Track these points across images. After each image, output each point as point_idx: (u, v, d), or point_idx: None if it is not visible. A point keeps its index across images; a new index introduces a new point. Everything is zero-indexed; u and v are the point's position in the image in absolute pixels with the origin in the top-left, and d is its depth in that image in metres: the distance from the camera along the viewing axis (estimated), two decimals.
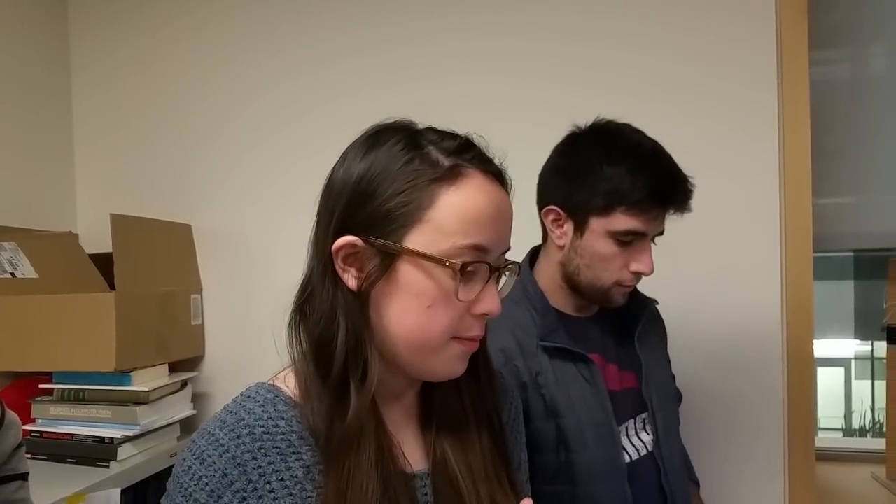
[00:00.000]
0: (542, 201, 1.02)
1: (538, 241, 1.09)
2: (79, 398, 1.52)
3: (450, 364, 0.61)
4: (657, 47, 1.50)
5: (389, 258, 0.58)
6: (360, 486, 0.56)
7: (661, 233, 0.99)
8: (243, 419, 0.59)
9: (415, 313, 0.59)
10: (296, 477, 0.58)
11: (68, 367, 1.52)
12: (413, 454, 0.65)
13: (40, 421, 1.52)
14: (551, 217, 1.00)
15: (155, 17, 1.87)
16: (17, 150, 1.75)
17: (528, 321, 0.99)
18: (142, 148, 1.88)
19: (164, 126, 1.86)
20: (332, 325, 0.60)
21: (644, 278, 0.99)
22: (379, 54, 1.69)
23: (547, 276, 1.04)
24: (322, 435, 0.59)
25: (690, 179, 0.96)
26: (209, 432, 0.59)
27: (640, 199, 0.91)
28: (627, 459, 0.99)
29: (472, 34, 1.63)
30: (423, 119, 0.66)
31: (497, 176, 0.62)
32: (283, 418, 0.60)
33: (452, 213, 0.58)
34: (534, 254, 1.10)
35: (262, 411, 0.60)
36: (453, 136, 0.62)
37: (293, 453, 0.59)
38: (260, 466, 0.57)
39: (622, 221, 0.93)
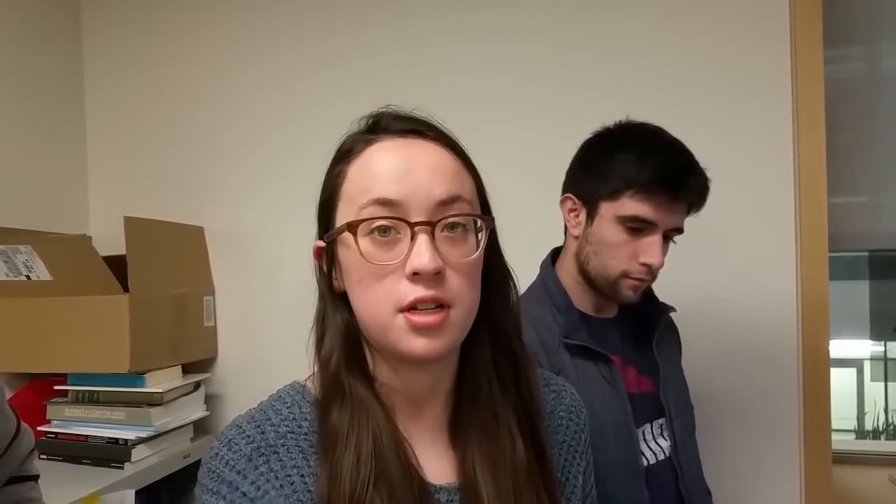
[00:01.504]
0: (562, 191, 1.03)
1: (549, 244, 1.09)
2: (93, 400, 1.53)
3: (404, 341, 0.56)
4: (670, 48, 1.49)
5: (333, 248, 0.61)
6: (349, 480, 0.55)
7: (680, 231, 0.98)
8: (269, 418, 0.61)
9: (356, 293, 0.59)
10: (316, 475, 0.58)
11: (83, 369, 1.52)
12: (442, 467, 0.62)
13: (55, 422, 1.53)
14: (568, 205, 1.01)
15: (167, 16, 1.88)
16: (30, 154, 1.76)
17: (549, 319, 0.98)
18: (154, 151, 1.89)
19: (177, 127, 1.87)
20: (321, 324, 0.64)
21: (660, 278, 0.99)
22: (391, 54, 1.69)
23: (567, 274, 1.04)
24: (320, 427, 0.60)
25: (705, 173, 0.95)
26: (237, 425, 0.61)
27: (646, 183, 0.91)
28: (645, 463, 0.98)
29: (482, 37, 1.62)
30: None
31: (413, 133, 0.60)
32: (306, 419, 0.62)
33: (354, 179, 0.59)
34: (556, 254, 1.09)
35: (289, 412, 0.62)
36: (368, 116, 0.64)
37: (314, 453, 0.60)
38: (281, 460, 0.59)
39: (629, 206, 0.93)
